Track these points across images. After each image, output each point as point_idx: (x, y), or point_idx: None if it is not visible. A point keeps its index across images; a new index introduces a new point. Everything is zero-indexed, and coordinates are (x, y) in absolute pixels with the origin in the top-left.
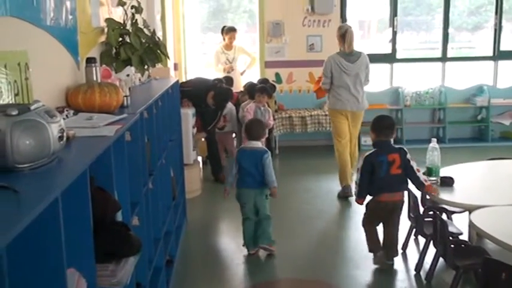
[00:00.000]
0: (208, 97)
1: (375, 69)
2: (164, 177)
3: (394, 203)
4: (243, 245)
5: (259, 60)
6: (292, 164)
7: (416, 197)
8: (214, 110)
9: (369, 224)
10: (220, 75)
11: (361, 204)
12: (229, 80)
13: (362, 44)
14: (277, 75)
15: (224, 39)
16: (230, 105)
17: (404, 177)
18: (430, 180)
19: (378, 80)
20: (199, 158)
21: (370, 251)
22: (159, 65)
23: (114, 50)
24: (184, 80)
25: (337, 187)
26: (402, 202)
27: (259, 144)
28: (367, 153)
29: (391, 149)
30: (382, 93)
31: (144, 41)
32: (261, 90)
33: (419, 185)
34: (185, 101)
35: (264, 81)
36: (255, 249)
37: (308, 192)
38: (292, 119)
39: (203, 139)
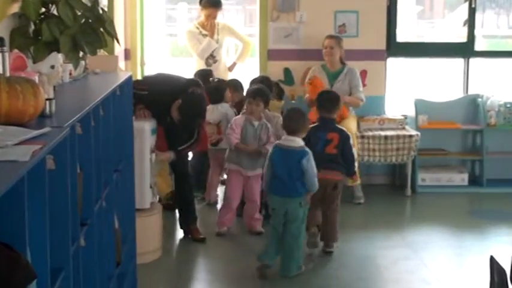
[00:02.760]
0: (172, 108)
1: (441, 66)
2: (104, 230)
3: (327, 181)
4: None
5: (259, 48)
6: None
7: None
8: (186, 126)
9: (310, 208)
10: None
11: None
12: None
13: (421, 29)
14: (286, 72)
15: (201, 14)
16: (226, 109)
17: (339, 159)
18: None
19: (446, 85)
20: (159, 199)
21: (306, 229)
22: (101, 52)
23: (32, 27)
24: (139, 77)
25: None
26: (337, 183)
27: (298, 141)
28: (311, 126)
29: (332, 128)
30: (452, 105)
31: (79, 13)
32: (253, 93)
33: (350, 172)
34: (141, 109)
35: (263, 80)
36: (265, 262)
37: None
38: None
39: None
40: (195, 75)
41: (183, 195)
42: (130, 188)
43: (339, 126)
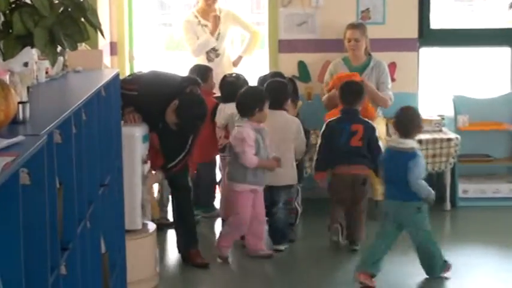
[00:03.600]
0: (168, 111)
1: (484, 56)
2: (89, 255)
3: (353, 176)
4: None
5: (269, 39)
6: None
7: None
8: (182, 133)
9: (333, 206)
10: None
11: (320, 179)
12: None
13: (459, 13)
14: (301, 66)
15: (198, 1)
16: (233, 110)
17: (365, 152)
18: None
19: (490, 79)
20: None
21: (328, 229)
22: (83, 46)
23: (1, 18)
24: (128, 75)
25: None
26: (366, 178)
27: (409, 142)
28: (329, 119)
29: (356, 119)
30: (497, 102)
31: (56, 1)
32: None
33: (375, 167)
34: (130, 113)
35: (275, 75)
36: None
37: None
38: None
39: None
40: (191, 71)
41: (182, 214)
42: (119, 206)
43: (363, 118)
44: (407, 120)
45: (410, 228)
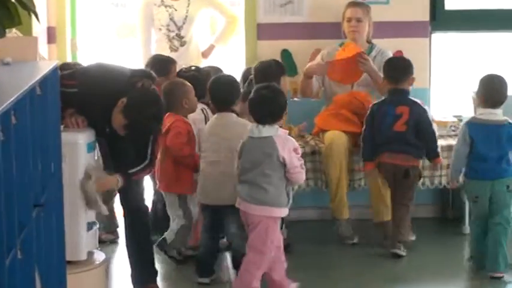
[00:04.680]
0: (115, 111)
1: (507, 43)
2: None
3: (395, 167)
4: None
5: (245, 23)
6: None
7: None
8: (135, 137)
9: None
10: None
11: (369, 170)
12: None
13: None
14: (285, 56)
15: None
16: (196, 116)
17: (410, 138)
18: None
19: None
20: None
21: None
22: (13, 32)
23: None
24: (70, 69)
25: None
26: (408, 169)
27: (500, 113)
28: (374, 103)
29: (403, 100)
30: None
31: None
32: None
33: (431, 154)
34: (72, 116)
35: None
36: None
37: None
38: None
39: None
40: (148, 63)
41: (136, 241)
42: (59, 231)
43: (412, 98)
44: (497, 90)
45: (501, 209)
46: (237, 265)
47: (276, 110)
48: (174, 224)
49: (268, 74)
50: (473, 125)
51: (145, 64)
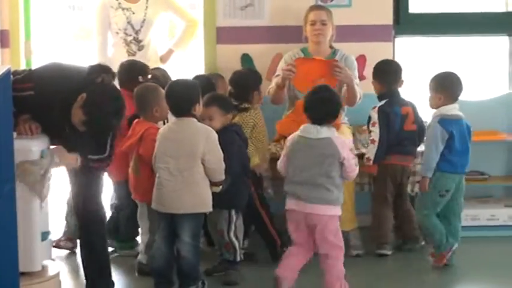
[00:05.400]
0: (74, 107)
1: (476, 47)
2: None
3: (403, 168)
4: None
5: (204, 26)
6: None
7: None
8: (96, 133)
9: (380, 204)
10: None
11: (375, 171)
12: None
13: None
14: (245, 60)
15: None
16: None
17: (416, 137)
18: None
19: (484, 76)
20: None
21: (380, 243)
22: None
23: None
24: (22, 71)
25: None
26: (410, 171)
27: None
28: (379, 105)
29: (403, 101)
30: (493, 105)
31: None
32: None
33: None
34: (25, 122)
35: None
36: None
37: None
38: None
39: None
40: (122, 70)
41: (92, 252)
42: (11, 242)
43: (406, 99)
44: (456, 86)
45: (458, 197)
46: (184, 274)
47: (334, 110)
48: (143, 238)
49: (245, 84)
50: (446, 121)
51: (120, 67)
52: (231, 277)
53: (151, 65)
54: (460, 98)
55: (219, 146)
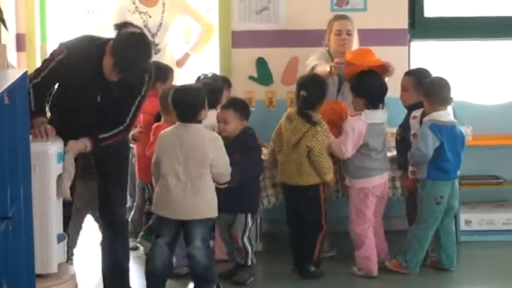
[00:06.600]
0: (105, 59)
1: (491, 52)
2: None
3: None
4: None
5: (219, 30)
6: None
7: None
8: (125, 93)
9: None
10: None
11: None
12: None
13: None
14: (261, 64)
15: None
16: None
17: None
18: None
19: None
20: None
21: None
22: None
23: None
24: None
25: None
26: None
27: (451, 113)
28: (419, 114)
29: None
30: (508, 110)
31: None
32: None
33: None
34: (41, 125)
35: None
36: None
37: None
38: None
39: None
40: None
41: (115, 259)
42: (28, 244)
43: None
44: (446, 91)
45: (451, 206)
46: (199, 277)
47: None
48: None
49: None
50: (437, 127)
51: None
52: (240, 278)
53: None
54: (476, 102)
55: (225, 151)
